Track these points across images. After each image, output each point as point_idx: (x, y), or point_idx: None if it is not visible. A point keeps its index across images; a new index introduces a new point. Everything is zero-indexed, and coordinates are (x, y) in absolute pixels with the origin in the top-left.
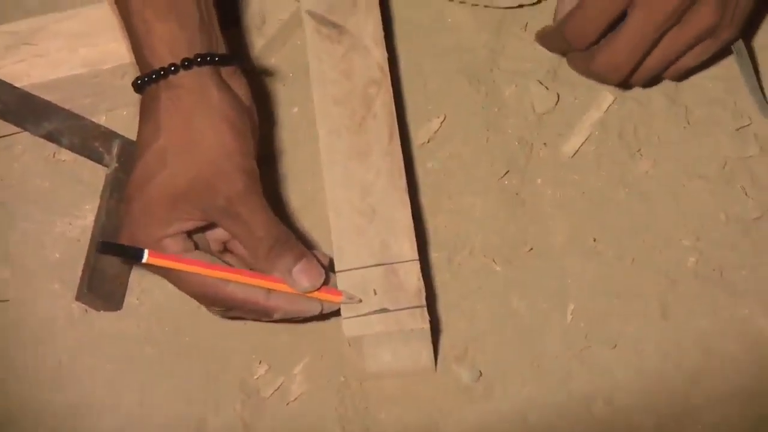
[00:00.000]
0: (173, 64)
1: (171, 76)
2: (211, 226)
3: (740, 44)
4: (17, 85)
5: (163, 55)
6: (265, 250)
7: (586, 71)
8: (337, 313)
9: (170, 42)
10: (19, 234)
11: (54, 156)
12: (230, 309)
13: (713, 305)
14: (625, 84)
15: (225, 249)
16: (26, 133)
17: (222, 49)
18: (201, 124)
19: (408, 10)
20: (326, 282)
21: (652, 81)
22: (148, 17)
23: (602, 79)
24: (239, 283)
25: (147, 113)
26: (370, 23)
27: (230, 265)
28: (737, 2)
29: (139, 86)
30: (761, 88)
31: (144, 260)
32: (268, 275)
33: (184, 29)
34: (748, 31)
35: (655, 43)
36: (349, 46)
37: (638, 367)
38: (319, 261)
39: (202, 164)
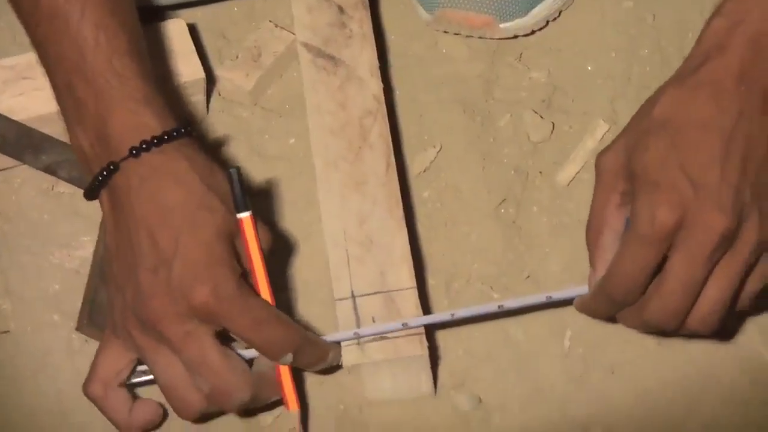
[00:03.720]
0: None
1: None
2: None
3: None
4: (15, 118)
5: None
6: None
7: (642, 324)
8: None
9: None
10: (19, 266)
11: (53, 188)
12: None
13: None
14: (689, 331)
15: None
16: (25, 166)
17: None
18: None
19: (403, 41)
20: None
21: (722, 321)
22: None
23: (661, 329)
24: None
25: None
26: (365, 55)
27: None
28: None
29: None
30: None
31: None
32: None
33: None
34: None
35: (705, 279)
36: (345, 77)
37: (636, 393)
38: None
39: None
